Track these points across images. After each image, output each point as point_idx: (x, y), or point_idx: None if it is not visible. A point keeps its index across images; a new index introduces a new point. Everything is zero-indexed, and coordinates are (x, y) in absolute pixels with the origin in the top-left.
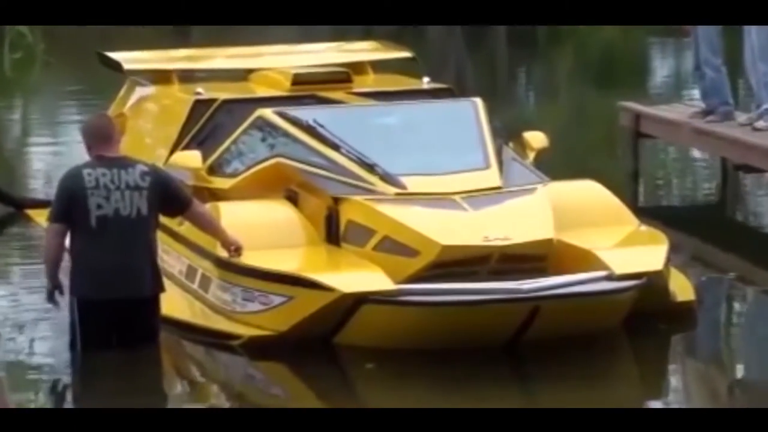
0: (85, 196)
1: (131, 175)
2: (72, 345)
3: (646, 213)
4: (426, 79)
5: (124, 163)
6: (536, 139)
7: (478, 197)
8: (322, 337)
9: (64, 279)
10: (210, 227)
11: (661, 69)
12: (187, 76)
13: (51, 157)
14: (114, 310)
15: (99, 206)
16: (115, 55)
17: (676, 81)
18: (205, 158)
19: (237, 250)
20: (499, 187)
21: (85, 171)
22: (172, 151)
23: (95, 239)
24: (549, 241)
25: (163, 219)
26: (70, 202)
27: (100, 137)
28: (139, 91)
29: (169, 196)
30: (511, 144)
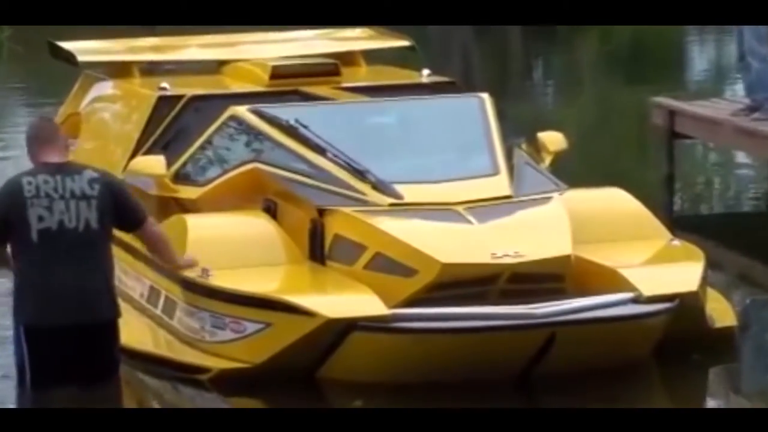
0: (23, 207)
1: (78, 182)
2: (20, 381)
3: (682, 224)
4: (426, 72)
5: (70, 169)
6: (553, 140)
7: (485, 208)
8: (305, 370)
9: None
10: (164, 250)
11: (699, 60)
12: (151, 69)
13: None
14: (67, 339)
15: (40, 218)
16: (68, 46)
17: (716, 73)
18: (170, 164)
19: (204, 271)
20: (509, 197)
21: (25, 179)
22: (132, 156)
23: (39, 257)
24: (566, 259)
25: (123, 234)
26: (8, 216)
27: (42, 141)
28: (96, 88)
29: (122, 208)
30: (523, 146)
